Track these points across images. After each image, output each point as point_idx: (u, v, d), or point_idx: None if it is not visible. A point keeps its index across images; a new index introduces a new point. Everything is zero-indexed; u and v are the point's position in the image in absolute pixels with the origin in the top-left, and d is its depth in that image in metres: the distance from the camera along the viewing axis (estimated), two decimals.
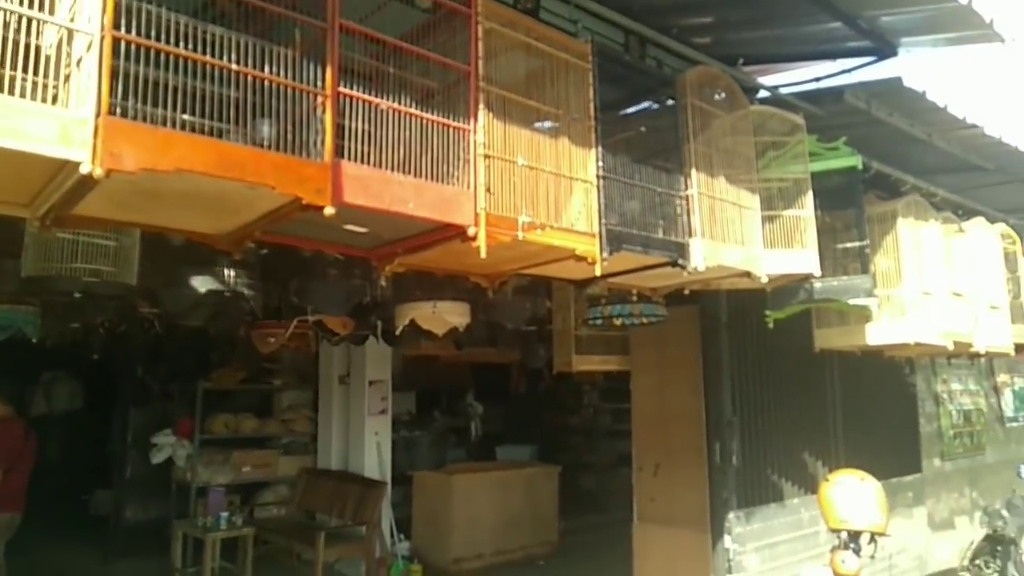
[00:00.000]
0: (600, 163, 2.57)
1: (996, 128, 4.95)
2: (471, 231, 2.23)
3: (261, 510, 7.98)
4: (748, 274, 3.14)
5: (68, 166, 1.65)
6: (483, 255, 2.21)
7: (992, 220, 5.36)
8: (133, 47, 1.78)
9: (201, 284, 3.21)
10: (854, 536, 3.62)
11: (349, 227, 2.32)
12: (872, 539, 3.63)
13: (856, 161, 3.98)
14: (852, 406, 5.55)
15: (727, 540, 4.50)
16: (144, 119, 1.76)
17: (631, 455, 11.62)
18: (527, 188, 2.37)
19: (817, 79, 4.45)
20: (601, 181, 2.57)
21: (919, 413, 6.28)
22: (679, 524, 4.96)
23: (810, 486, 5.07)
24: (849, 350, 4.60)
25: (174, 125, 1.84)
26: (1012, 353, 5.01)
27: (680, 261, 2.76)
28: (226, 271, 3.28)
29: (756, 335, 4.88)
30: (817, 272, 3.45)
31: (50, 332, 5.82)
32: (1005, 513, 4.96)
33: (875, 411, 5.79)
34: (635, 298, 4.08)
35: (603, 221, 2.53)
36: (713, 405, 4.70)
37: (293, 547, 7.00)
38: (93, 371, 11.21)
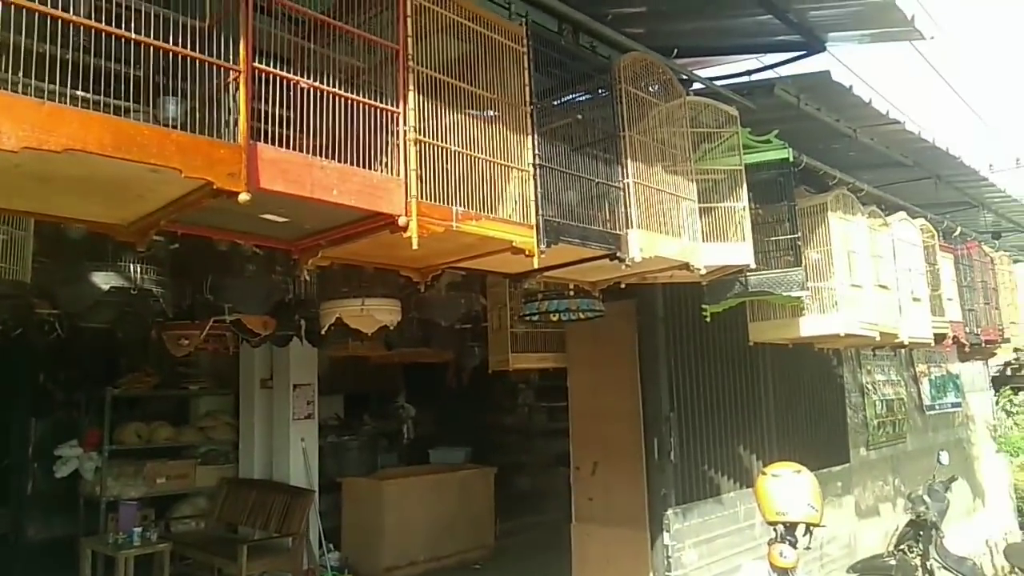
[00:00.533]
0: (537, 151, 2.44)
1: (915, 124, 5.10)
2: (402, 221, 2.06)
3: (178, 524, 7.54)
4: (686, 266, 3.08)
5: None
6: (415, 246, 2.04)
7: (912, 215, 5.52)
8: (12, 8, 1.55)
9: (103, 281, 2.92)
10: (790, 528, 3.62)
11: (267, 216, 2.11)
12: (808, 530, 3.64)
13: (787, 153, 3.99)
14: (784, 399, 5.63)
15: (665, 537, 4.47)
16: (30, 94, 1.53)
17: (568, 454, 11.70)
18: (461, 176, 2.22)
19: (748, 72, 4.46)
20: (538, 170, 2.44)
21: (847, 404, 6.44)
22: (617, 523, 4.90)
23: (745, 480, 5.10)
24: (782, 343, 4.63)
25: (67, 101, 1.61)
26: (932, 343, 5.17)
27: (618, 254, 2.67)
28: (132, 267, 3.00)
29: (692, 329, 4.87)
30: (752, 264, 3.43)
31: None
32: (927, 499, 5.11)
33: (806, 403, 5.89)
34: (572, 292, 3.99)
35: (540, 212, 2.40)
36: (650, 401, 4.65)
37: (213, 562, 6.63)
38: None
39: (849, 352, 6.49)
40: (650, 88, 3.06)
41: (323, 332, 3.87)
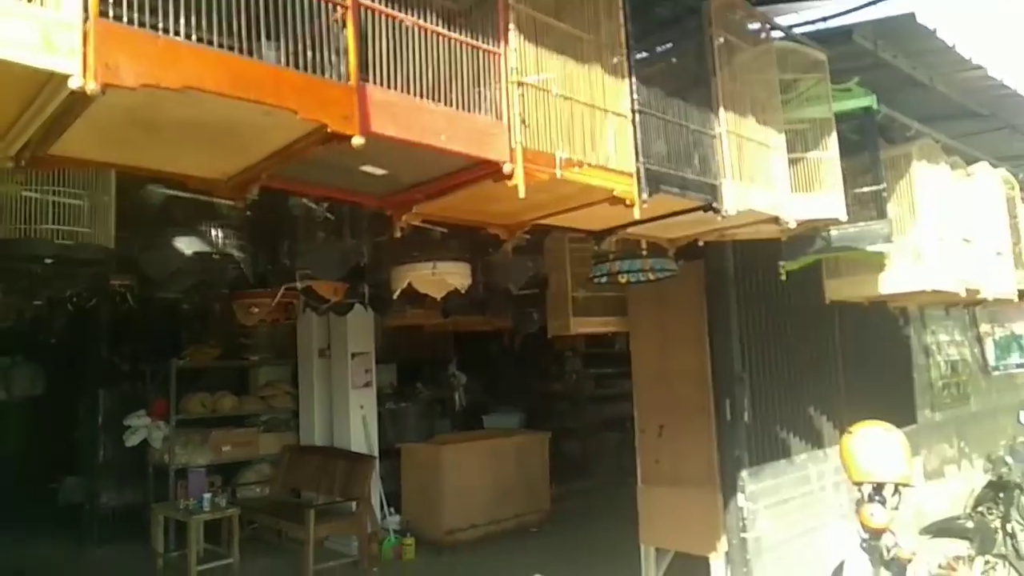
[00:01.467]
0: (635, 95, 2.35)
1: (997, 71, 4.86)
2: (506, 168, 2.00)
3: (244, 490, 7.72)
4: (776, 220, 2.97)
5: (52, 82, 1.38)
6: (522, 194, 1.98)
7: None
8: None
9: (186, 246, 2.93)
10: (878, 488, 3.53)
11: (367, 169, 2.07)
12: (896, 490, 3.55)
13: (871, 101, 3.83)
14: (853, 359, 5.50)
15: (740, 498, 4.41)
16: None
17: (616, 419, 11.69)
18: (560, 122, 2.15)
19: (824, 18, 4.26)
20: (637, 115, 2.35)
21: (913, 365, 6.27)
22: (686, 484, 4.85)
23: (816, 441, 5.00)
24: (857, 301, 4.50)
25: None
26: (1016, 299, 4.97)
27: (715, 205, 2.57)
28: (213, 232, 3.00)
29: (763, 288, 4.76)
30: (844, 217, 3.30)
31: (8, 310, 5.46)
32: (1009, 459, 4.96)
33: (874, 364, 5.74)
34: (645, 252, 3.91)
35: (641, 159, 2.32)
36: (721, 362, 4.56)
37: (281, 526, 6.78)
38: (53, 354, 10.73)
39: (913, 312, 6.30)
40: (746, 26, 2.93)
41: (394, 296, 3.86)
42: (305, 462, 7.46)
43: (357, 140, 1.67)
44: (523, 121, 2.02)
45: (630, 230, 2.99)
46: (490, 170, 2.02)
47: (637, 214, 2.29)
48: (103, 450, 7.77)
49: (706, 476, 4.75)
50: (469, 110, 1.96)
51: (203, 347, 7.81)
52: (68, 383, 9.16)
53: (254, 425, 7.98)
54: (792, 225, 3.00)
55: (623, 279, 4.20)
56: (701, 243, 3.63)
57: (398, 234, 2.33)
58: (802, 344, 5.02)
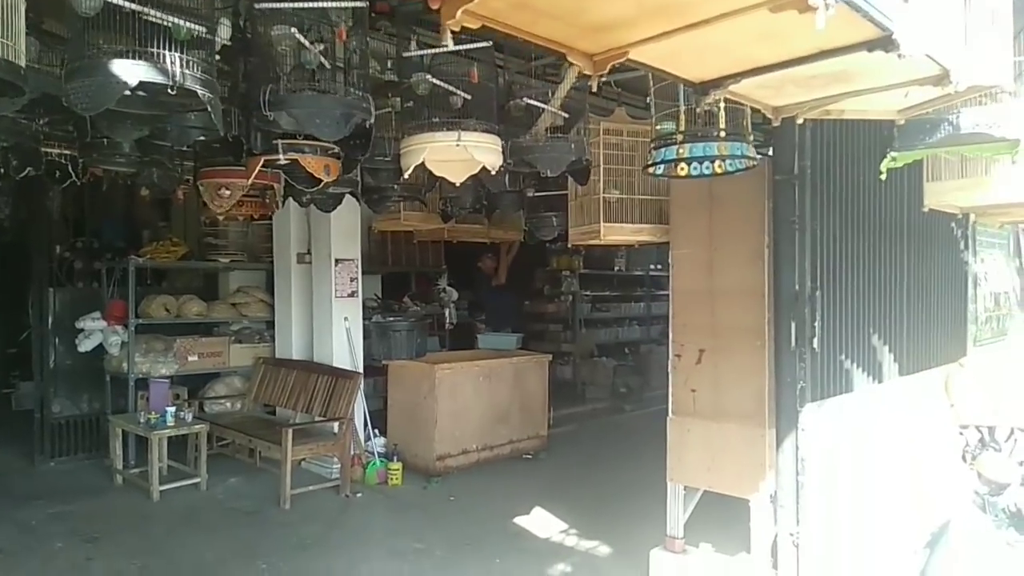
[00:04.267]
0: None
1: None
2: None
3: (212, 404, 7.03)
4: (941, 78, 2.18)
5: None
6: None
7: None
8: None
9: (128, 72, 2.07)
10: (990, 433, 2.89)
11: None
12: (1011, 435, 2.92)
13: None
14: (917, 284, 4.83)
15: (798, 436, 3.77)
16: None
17: (611, 345, 11.12)
18: None
19: None
20: None
21: (967, 294, 5.64)
22: (728, 418, 4.21)
23: (877, 374, 4.37)
24: (954, 211, 3.78)
25: None
26: None
27: (895, 37, 1.77)
28: (169, 57, 2.13)
29: (841, 191, 4.01)
30: (1009, 86, 2.52)
31: None
32: None
33: (936, 290, 5.09)
34: (723, 133, 3.11)
35: None
36: (785, 278, 3.84)
37: (255, 445, 6.11)
38: (5, 251, 9.80)
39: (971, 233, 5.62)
40: None
41: (404, 176, 3.02)
42: (282, 377, 6.75)
43: None
44: None
45: (747, 85, 2.19)
46: None
47: (821, 19, 1.48)
48: (54, 355, 6.97)
49: (753, 409, 4.10)
50: None
51: (166, 245, 6.92)
52: (21, 282, 8.26)
53: (224, 334, 7.21)
54: (960, 88, 2.21)
55: (682, 170, 3.41)
56: (801, 121, 2.85)
57: (449, 41, 1.51)
58: (872, 262, 4.32)
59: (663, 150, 3.20)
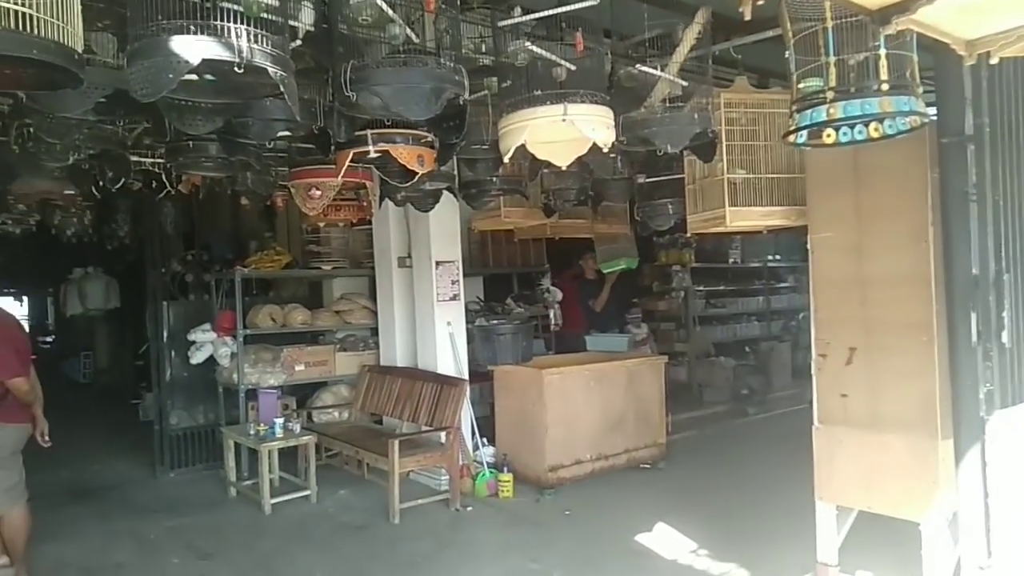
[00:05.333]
0: None
1: None
2: None
3: (320, 414, 6.94)
4: None
5: None
6: None
7: None
8: None
9: (188, 49, 1.80)
10: None
11: None
12: None
13: None
14: None
15: (984, 450, 3.14)
16: None
17: (729, 343, 10.40)
18: None
19: None
20: None
21: None
22: (887, 427, 3.61)
23: None
24: None
25: None
26: None
27: None
28: (228, 27, 1.85)
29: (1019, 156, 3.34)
30: None
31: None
32: None
33: None
34: (884, 86, 2.56)
35: None
36: (958, 259, 3.22)
37: (362, 456, 5.94)
38: (129, 268, 10.28)
39: None
40: None
41: (504, 160, 2.66)
42: (387, 385, 6.58)
43: None
44: None
45: (944, 7, 1.68)
46: None
47: None
48: (170, 368, 7.11)
49: (920, 418, 3.49)
50: None
51: (270, 254, 6.91)
52: (141, 296, 8.57)
53: (329, 343, 7.13)
54: None
55: (829, 137, 2.88)
56: (993, 59, 2.27)
57: None
58: None
59: (808, 112, 2.68)
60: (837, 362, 3.81)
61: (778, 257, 11.52)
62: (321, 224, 6.92)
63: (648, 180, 4.71)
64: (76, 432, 7.72)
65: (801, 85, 2.73)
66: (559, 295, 8.56)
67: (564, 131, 2.65)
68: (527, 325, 6.83)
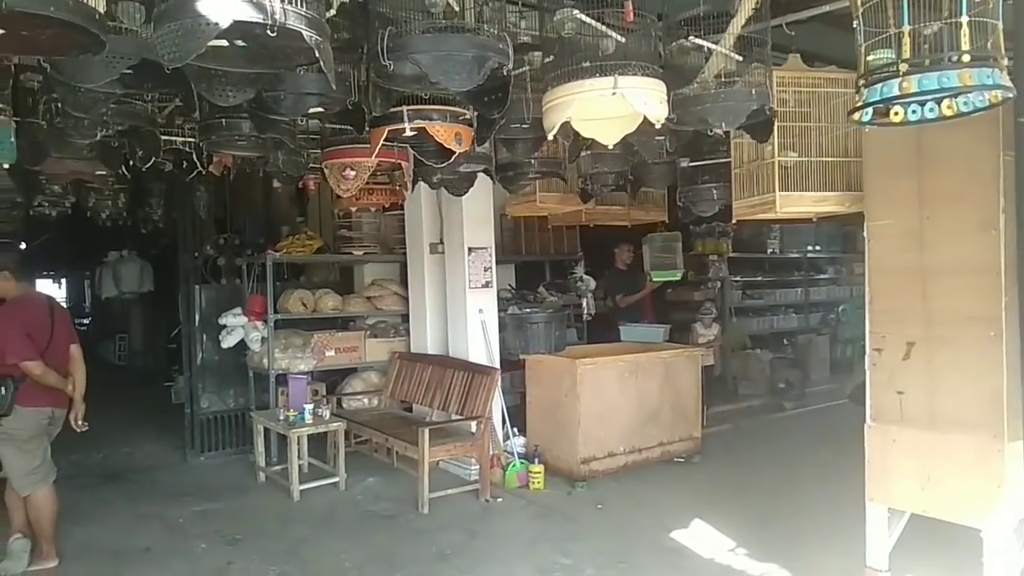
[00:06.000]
0: None
1: None
2: None
3: (349, 400, 6.88)
4: None
5: None
6: None
7: None
8: None
9: (216, 9, 1.67)
10: None
11: None
12: None
13: None
14: None
15: None
16: None
17: (765, 336, 10.13)
18: None
19: None
20: None
21: None
22: (948, 426, 3.41)
23: None
24: None
25: None
26: None
27: None
28: None
29: None
30: None
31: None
32: None
33: None
34: (965, 57, 2.35)
35: None
36: None
37: (391, 444, 5.85)
38: (163, 251, 10.33)
39: None
40: None
41: (548, 137, 2.49)
42: (418, 372, 6.48)
43: None
44: None
45: None
46: None
47: None
48: (202, 351, 7.10)
49: (985, 417, 3.28)
50: None
51: (301, 239, 6.84)
52: (174, 279, 8.59)
53: (360, 329, 7.05)
54: None
55: (896, 115, 2.67)
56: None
57: None
58: None
59: (878, 87, 2.48)
60: (894, 357, 3.60)
61: (818, 248, 11.20)
62: (353, 209, 6.84)
63: (692, 164, 4.52)
64: (109, 414, 7.75)
65: (870, 58, 2.53)
66: (592, 284, 8.37)
67: (613, 107, 2.48)
68: (561, 314, 6.69)
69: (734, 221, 4.29)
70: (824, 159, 3.89)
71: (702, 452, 6.56)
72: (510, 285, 7.74)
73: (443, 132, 2.79)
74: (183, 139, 3.65)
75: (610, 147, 2.79)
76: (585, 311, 8.18)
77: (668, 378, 6.41)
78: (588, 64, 2.36)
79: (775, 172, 3.81)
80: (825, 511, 4.93)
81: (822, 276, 11.35)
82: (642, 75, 2.37)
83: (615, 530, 4.99)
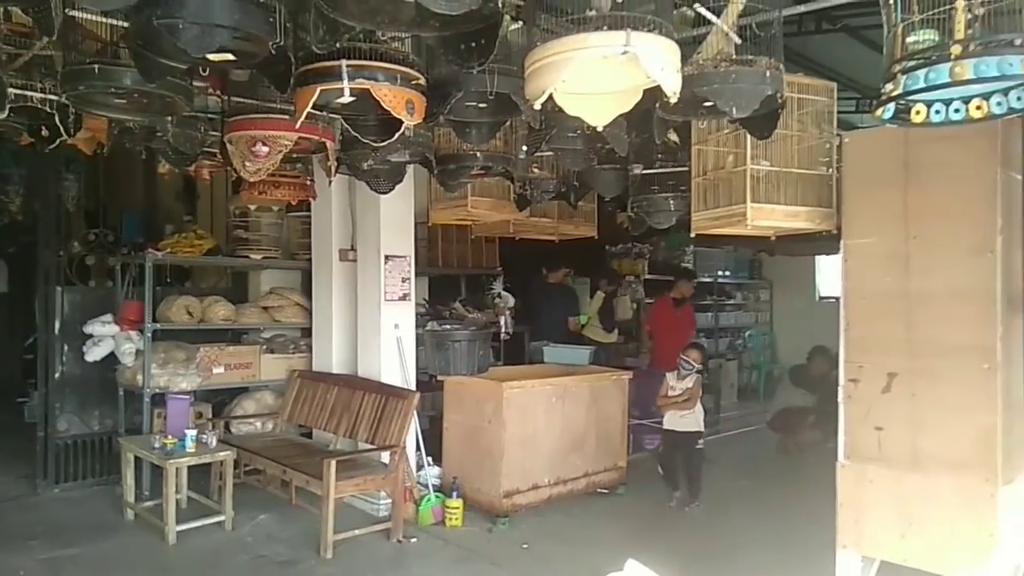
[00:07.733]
0: None
1: None
2: None
3: (240, 424, 6.02)
4: None
5: None
6: None
7: None
8: None
9: None
10: None
11: None
12: None
13: None
14: None
15: None
16: None
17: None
18: None
19: None
20: None
21: None
22: (935, 469, 3.11)
23: None
24: None
25: None
26: None
27: None
28: None
29: None
30: None
31: None
32: None
33: None
34: (1020, 41, 2.03)
35: None
36: None
37: (290, 477, 5.08)
38: (21, 248, 9.00)
39: None
40: None
41: (538, 104, 1.96)
42: (320, 394, 5.75)
43: None
44: None
45: None
46: None
47: None
48: (62, 364, 6.05)
49: (976, 457, 3.00)
50: None
51: (189, 238, 5.96)
52: (33, 280, 7.40)
53: (255, 343, 6.23)
54: None
55: (918, 114, 2.34)
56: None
57: None
58: None
59: (922, 73, 2.11)
60: (872, 389, 3.29)
61: (727, 273, 11.23)
62: (251, 207, 6.06)
63: (645, 171, 4.12)
64: None
65: (909, 39, 2.17)
66: (511, 301, 7.88)
67: (613, 74, 2.00)
68: (485, 332, 6.14)
69: (692, 234, 3.91)
70: (797, 170, 3.57)
71: (626, 483, 6.16)
72: (425, 299, 7.14)
73: (391, 97, 2.22)
74: (41, 95, 2.86)
75: (599, 128, 2.30)
76: (503, 329, 7.67)
77: (594, 403, 5.98)
78: (594, 12, 1.85)
79: (746, 182, 3.45)
80: (756, 545, 4.64)
81: (731, 301, 11.38)
82: (659, 33, 1.89)
83: (545, 575, 4.46)
